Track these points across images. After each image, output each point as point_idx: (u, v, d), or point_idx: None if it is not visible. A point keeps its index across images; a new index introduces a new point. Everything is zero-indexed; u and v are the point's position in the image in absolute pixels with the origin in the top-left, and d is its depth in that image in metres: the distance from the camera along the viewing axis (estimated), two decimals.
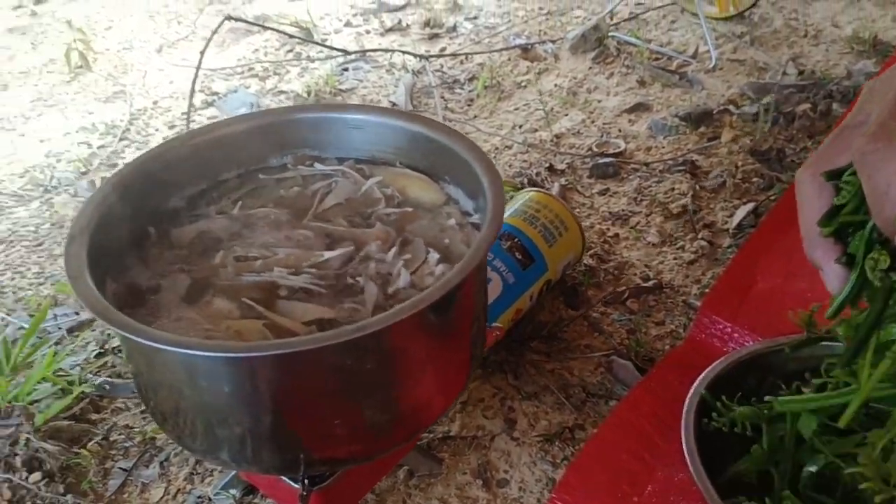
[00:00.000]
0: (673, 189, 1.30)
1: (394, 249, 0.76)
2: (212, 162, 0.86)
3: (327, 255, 0.74)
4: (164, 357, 0.63)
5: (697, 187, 1.29)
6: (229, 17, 1.53)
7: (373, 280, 0.73)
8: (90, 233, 0.71)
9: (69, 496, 0.92)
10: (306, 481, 0.73)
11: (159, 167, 0.82)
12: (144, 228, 0.79)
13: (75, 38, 1.84)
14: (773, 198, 1.25)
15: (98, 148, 1.58)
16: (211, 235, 0.79)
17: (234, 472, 0.91)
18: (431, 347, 0.69)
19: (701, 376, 0.89)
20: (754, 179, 1.30)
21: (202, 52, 1.39)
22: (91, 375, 1.07)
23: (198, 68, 1.36)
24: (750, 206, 1.23)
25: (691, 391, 0.87)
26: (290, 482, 0.76)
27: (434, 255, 0.76)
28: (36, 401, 1.00)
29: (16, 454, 0.94)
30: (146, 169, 0.81)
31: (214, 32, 1.44)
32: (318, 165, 0.88)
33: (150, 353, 0.64)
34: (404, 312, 0.61)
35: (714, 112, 1.47)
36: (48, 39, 2.00)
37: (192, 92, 1.34)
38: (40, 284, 1.26)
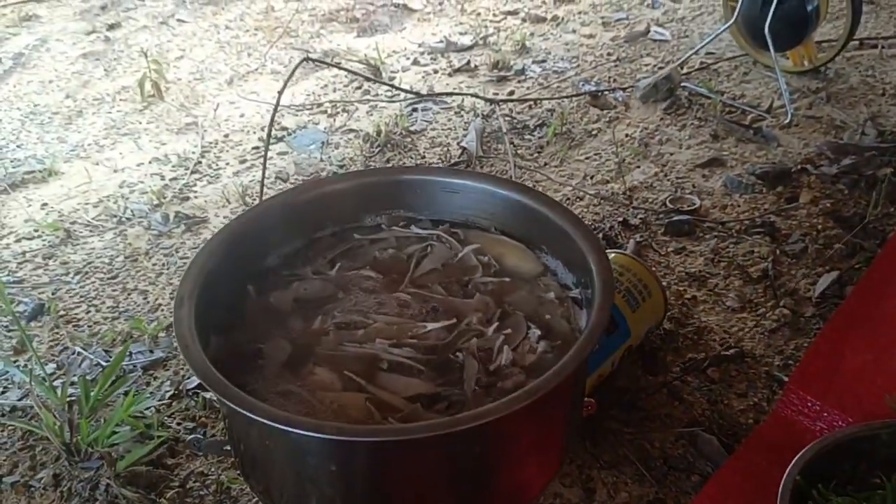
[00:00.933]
0: (752, 252, 1.28)
1: (494, 324, 0.75)
2: (307, 220, 0.86)
3: (430, 326, 0.74)
4: (276, 434, 0.63)
5: (778, 251, 1.27)
6: (308, 59, 1.54)
7: (473, 356, 0.72)
8: (197, 295, 0.71)
9: None
10: None
11: (258, 226, 0.82)
12: (244, 287, 0.79)
13: (149, 66, 1.87)
14: (857, 267, 1.22)
15: (170, 180, 1.60)
16: (309, 298, 0.79)
17: None
18: (537, 432, 0.68)
19: (794, 461, 0.87)
20: (836, 246, 1.27)
21: (280, 93, 1.40)
22: (167, 419, 1.07)
23: (275, 109, 1.37)
24: (834, 274, 1.20)
25: (785, 477, 0.85)
26: None
27: (535, 332, 0.75)
28: (114, 444, 1.00)
29: (96, 499, 0.94)
30: (246, 228, 0.81)
31: (292, 73, 1.45)
32: (413, 227, 0.87)
33: (262, 429, 0.64)
34: (521, 401, 0.60)
35: (792, 171, 1.45)
36: (121, 66, 2.04)
37: (269, 135, 1.35)
38: (115, 319, 1.27)
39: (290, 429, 0.58)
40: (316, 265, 0.84)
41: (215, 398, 0.63)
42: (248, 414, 0.59)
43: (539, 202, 0.83)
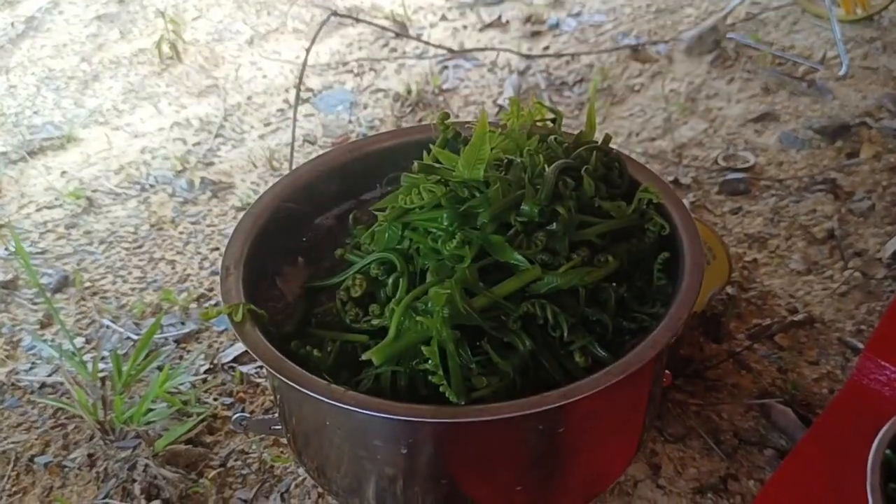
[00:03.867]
0: (815, 211, 1.20)
1: None
2: (355, 180, 0.79)
3: None
4: (340, 415, 0.57)
5: (843, 210, 1.19)
6: (335, 14, 1.46)
7: None
8: (243, 264, 0.65)
9: None
10: None
11: (304, 187, 0.75)
12: (290, 256, 0.73)
13: (166, 27, 1.79)
14: None
15: (194, 145, 1.53)
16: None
17: None
18: (624, 408, 0.61)
19: (881, 433, 0.80)
20: None
21: (308, 50, 1.33)
22: (203, 394, 1.02)
23: (303, 67, 1.29)
24: None
25: (873, 451, 0.79)
26: None
27: None
28: (151, 422, 0.95)
29: (134, 480, 0.89)
30: (291, 190, 0.75)
31: (320, 29, 1.37)
32: None
33: (323, 410, 0.58)
34: (612, 377, 0.54)
35: (850, 125, 1.37)
36: (136, 28, 1.96)
37: (298, 96, 1.28)
38: (143, 290, 1.22)
39: (361, 410, 0.52)
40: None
41: (270, 375, 0.57)
42: (316, 396, 0.53)
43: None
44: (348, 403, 0.52)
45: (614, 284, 0.64)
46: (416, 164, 0.67)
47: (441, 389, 0.53)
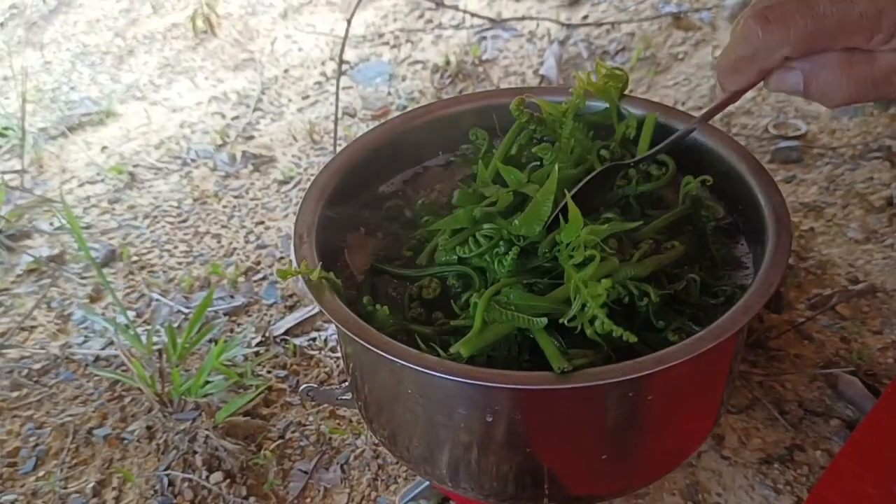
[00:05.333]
0: (871, 178, 1.18)
1: None
2: (418, 148, 0.78)
3: None
4: (425, 383, 0.56)
5: None
6: None
7: None
8: (316, 232, 0.64)
9: (251, 499, 0.87)
10: None
11: (369, 154, 0.74)
12: (355, 227, 0.72)
13: (199, 1, 1.78)
14: None
15: (232, 119, 1.52)
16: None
17: (427, 483, 0.84)
18: (710, 377, 0.60)
19: None
20: None
21: (349, 21, 1.31)
22: (258, 367, 1.02)
23: (345, 37, 1.28)
24: None
25: None
26: None
27: None
28: (209, 394, 0.95)
29: (195, 452, 0.89)
30: (354, 158, 0.73)
31: (359, 2, 1.35)
32: None
33: (407, 379, 0.57)
34: (706, 342, 0.52)
35: None
36: (169, 3, 1.94)
37: (340, 67, 1.26)
38: (189, 264, 1.21)
39: (454, 377, 0.51)
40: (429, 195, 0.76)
41: (352, 341, 0.56)
42: (409, 364, 0.52)
43: (673, 117, 0.73)
44: (441, 371, 0.51)
45: (686, 268, 0.63)
46: (458, 193, 0.66)
47: (604, 329, 0.52)
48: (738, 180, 0.68)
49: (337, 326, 0.56)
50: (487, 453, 0.60)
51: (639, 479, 0.63)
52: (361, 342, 0.54)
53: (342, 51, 1.30)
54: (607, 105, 0.75)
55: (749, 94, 1.37)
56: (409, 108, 0.80)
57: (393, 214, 0.73)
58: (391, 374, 0.59)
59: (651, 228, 0.65)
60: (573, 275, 0.54)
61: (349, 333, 0.55)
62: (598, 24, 1.64)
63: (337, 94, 1.27)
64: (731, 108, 1.35)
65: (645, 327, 0.58)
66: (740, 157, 0.68)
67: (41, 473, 0.92)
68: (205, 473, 0.88)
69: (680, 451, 0.64)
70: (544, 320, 0.55)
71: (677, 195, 0.69)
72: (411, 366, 0.52)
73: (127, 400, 0.99)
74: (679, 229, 0.67)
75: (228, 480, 0.87)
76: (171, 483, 0.88)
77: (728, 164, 0.68)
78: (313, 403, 0.95)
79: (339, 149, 0.97)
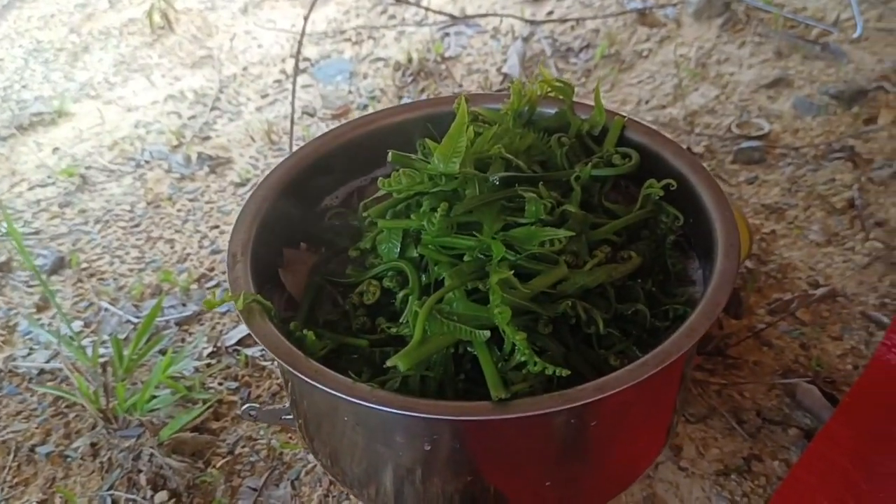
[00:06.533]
0: (833, 179, 1.17)
1: None
2: (368, 155, 0.75)
3: None
4: (361, 413, 0.53)
5: (862, 178, 1.16)
6: None
7: None
8: (251, 251, 0.62)
9: None
10: None
11: (313, 165, 0.71)
12: (295, 242, 0.69)
13: None
14: None
15: (189, 118, 1.48)
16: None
17: None
18: (658, 398, 0.58)
19: None
20: None
21: (306, 18, 1.27)
22: (208, 379, 0.99)
23: (302, 34, 1.24)
24: None
25: None
26: None
27: None
28: (155, 409, 0.92)
29: (139, 470, 0.87)
30: (300, 167, 0.71)
31: None
32: None
33: (343, 408, 0.54)
34: (649, 368, 0.51)
35: (867, 90, 1.33)
36: None
37: (297, 65, 1.23)
38: (141, 270, 1.18)
39: (385, 408, 0.49)
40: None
41: (287, 371, 0.54)
42: (339, 395, 0.50)
43: (645, 136, 0.72)
44: (373, 402, 0.49)
45: (640, 280, 0.62)
46: (390, 153, 0.64)
47: (523, 359, 0.50)
48: (690, 193, 0.66)
49: (268, 352, 0.54)
50: (429, 480, 0.58)
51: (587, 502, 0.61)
52: (291, 370, 0.51)
53: (299, 48, 1.26)
54: (557, 110, 0.73)
55: (712, 93, 1.36)
56: (359, 115, 0.77)
57: (337, 228, 0.70)
58: (326, 402, 0.57)
59: (609, 229, 0.63)
60: (493, 307, 0.52)
61: (280, 361, 0.52)
62: (563, 21, 1.62)
63: (293, 93, 1.24)
64: (694, 106, 1.34)
65: (590, 344, 0.57)
66: (692, 169, 0.67)
67: None
68: (149, 493, 0.85)
69: (627, 474, 0.62)
70: (487, 333, 0.53)
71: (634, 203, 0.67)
72: (343, 396, 0.50)
73: (71, 416, 0.96)
74: (636, 234, 0.65)
75: (174, 500, 0.85)
76: (114, 503, 0.85)
77: (679, 175, 0.66)
78: (269, 423, 0.93)
79: (296, 149, 0.94)
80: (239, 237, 0.62)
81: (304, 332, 0.55)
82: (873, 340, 0.95)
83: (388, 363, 0.52)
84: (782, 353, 0.95)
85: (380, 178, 0.63)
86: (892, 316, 0.95)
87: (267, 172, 0.69)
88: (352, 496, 0.86)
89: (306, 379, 0.51)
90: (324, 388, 0.50)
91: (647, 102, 1.39)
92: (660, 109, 1.36)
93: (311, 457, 0.90)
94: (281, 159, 0.71)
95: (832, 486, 0.78)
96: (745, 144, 1.24)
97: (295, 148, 1.25)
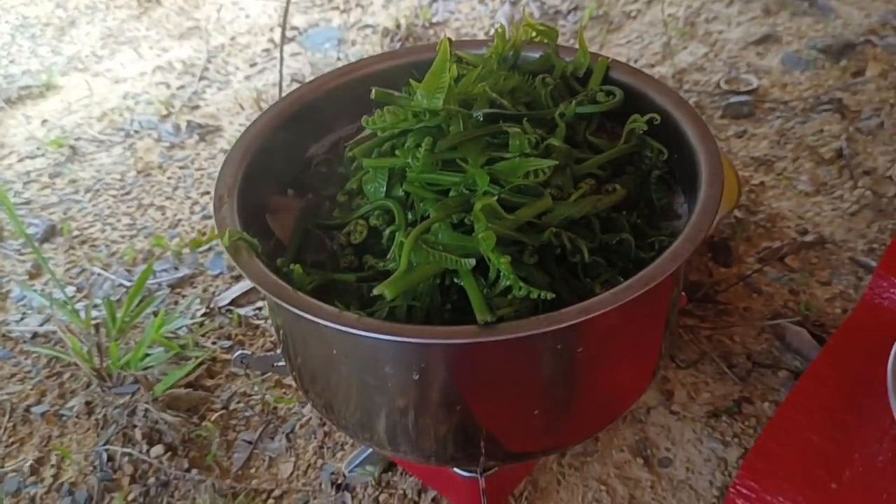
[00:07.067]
0: (821, 131, 1.17)
1: None
2: (356, 102, 0.75)
3: None
4: (349, 343, 0.54)
5: (850, 129, 1.16)
6: None
7: None
8: (238, 194, 0.62)
9: (194, 471, 0.85)
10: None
11: (302, 110, 0.71)
12: (282, 188, 0.69)
13: None
14: None
15: (178, 89, 1.48)
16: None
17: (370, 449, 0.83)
18: (643, 327, 0.59)
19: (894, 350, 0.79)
20: None
21: None
22: (201, 338, 0.99)
23: (287, 2, 1.24)
24: None
25: (890, 367, 0.77)
26: (460, 471, 0.67)
27: None
28: (149, 367, 0.92)
29: (135, 426, 0.87)
30: (282, 117, 0.71)
31: None
32: None
33: (331, 340, 0.55)
34: (633, 291, 0.51)
35: (855, 44, 1.33)
36: None
37: (284, 33, 1.23)
38: (133, 237, 1.18)
39: (372, 334, 0.49)
40: None
41: (274, 304, 0.54)
42: (325, 323, 0.50)
43: (628, 75, 0.72)
44: (360, 329, 0.49)
45: (625, 213, 0.62)
46: (373, 90, 0.64)
47: (508, 283, 0.51)
48: (674, 128, 0.66)
49: (255, 286, 0.54)
50: (420, 413, 0.58)
51: (575, 434, 0.62)
52: (277, 300, 0.52)
53: (285, 15, 1.26)
54: (542, 53, 0.74)
55: (701, 51, 1.36)
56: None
57: (323, 175, 0.70)
58: (316, 338, 0.57)
59: (594, 163, 0.63)
60: (478, 233, 0.53)
61: (266, 293, 0.53)
62: None
63: (280, 60, 1.24)
64: (683, 64, 1.34)
65: (575, 274, 0.57)
66: (676, 106, 0.67)
67: None
68: (145, 447, 0.86)
69: (616, 405, 0.62)
70: (472, 261, 0.53)
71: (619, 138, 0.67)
72: (330, 324, 0.50)
73: (66, 376, 0.96)
74: (621, 170, 0.66)
75: (170, 453, 0.85)
76: (110, 458, 0.85)
77: (664, 111, 0.66)
78: (258, 373, 0.93)
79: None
80: (225, 180, 0.62)
81: (292, 267, 0.56)
82: (862, 285, 0.96)
83: (375, 291, 0.52)
84: (772, 298, 0.96)
85: (364, 118, 0.63)
86: (880, 260, 0.96)
87: (254, 118, 0.69)
88: (346, 447, 0.87)
89: (293, 309, 0.51)
90: (311, 317, 0.50)
91: (636, 62, 1.38)
92: (649, 68, 1.36)
93: (305, 410, 0.90)
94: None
95: (819, 422, 0.79)
96: (733, 99, 1.24)
97: None
